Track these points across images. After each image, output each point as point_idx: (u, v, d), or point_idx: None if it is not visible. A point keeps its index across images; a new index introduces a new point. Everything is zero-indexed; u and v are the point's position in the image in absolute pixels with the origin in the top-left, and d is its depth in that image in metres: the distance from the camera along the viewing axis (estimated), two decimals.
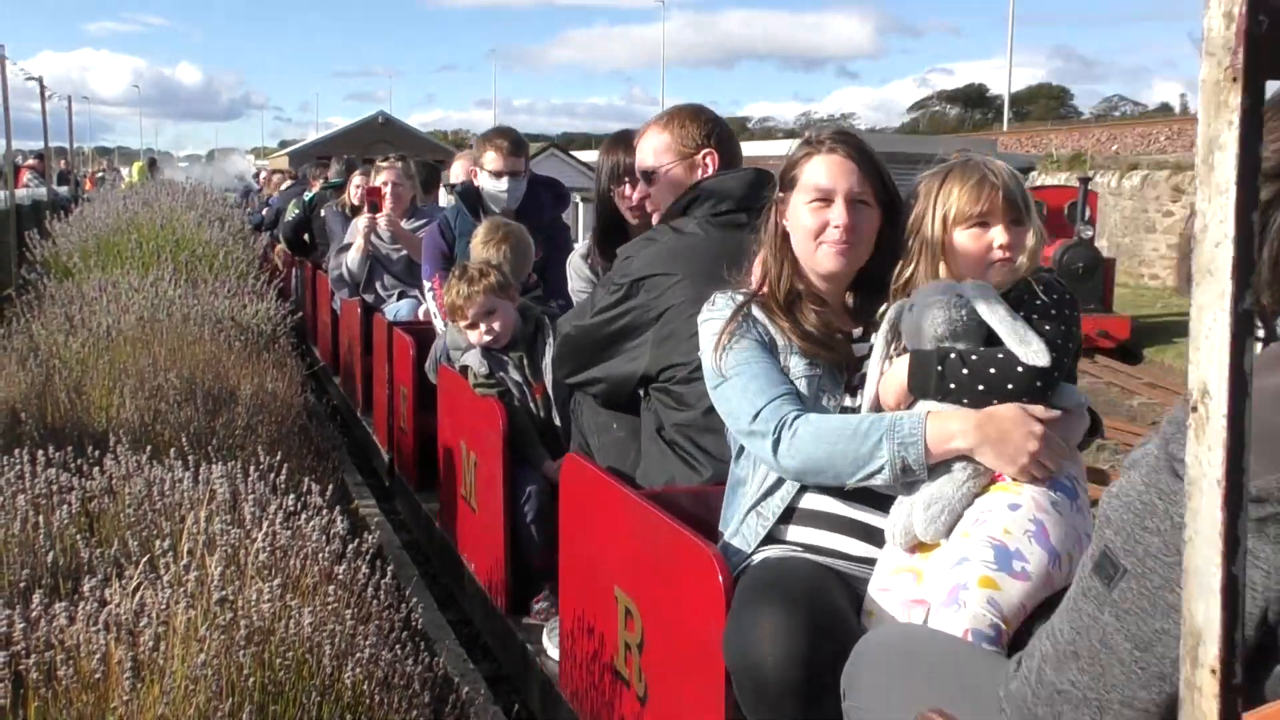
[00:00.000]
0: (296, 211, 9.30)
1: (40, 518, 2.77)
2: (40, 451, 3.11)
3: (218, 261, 8.61)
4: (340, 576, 2.61)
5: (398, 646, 2.50)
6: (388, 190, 6.27)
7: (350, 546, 2.74)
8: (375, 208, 6.21)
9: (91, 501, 3.02)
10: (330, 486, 3.24)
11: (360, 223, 6.31)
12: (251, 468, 3.04)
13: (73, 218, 10.50)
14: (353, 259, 6.40)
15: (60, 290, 7.26)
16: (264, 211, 13.99)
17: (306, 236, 9.29)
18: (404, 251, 6.29)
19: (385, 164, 6.43)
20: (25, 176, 16.71)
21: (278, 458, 3.32)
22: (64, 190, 19.35)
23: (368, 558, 2.75)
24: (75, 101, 24.50)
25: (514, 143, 4.88)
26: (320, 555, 2.64)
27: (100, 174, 34.32)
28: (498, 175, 4.82)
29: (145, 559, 2.49)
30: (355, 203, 7.47)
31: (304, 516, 2.79)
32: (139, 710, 2.10)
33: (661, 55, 54.40)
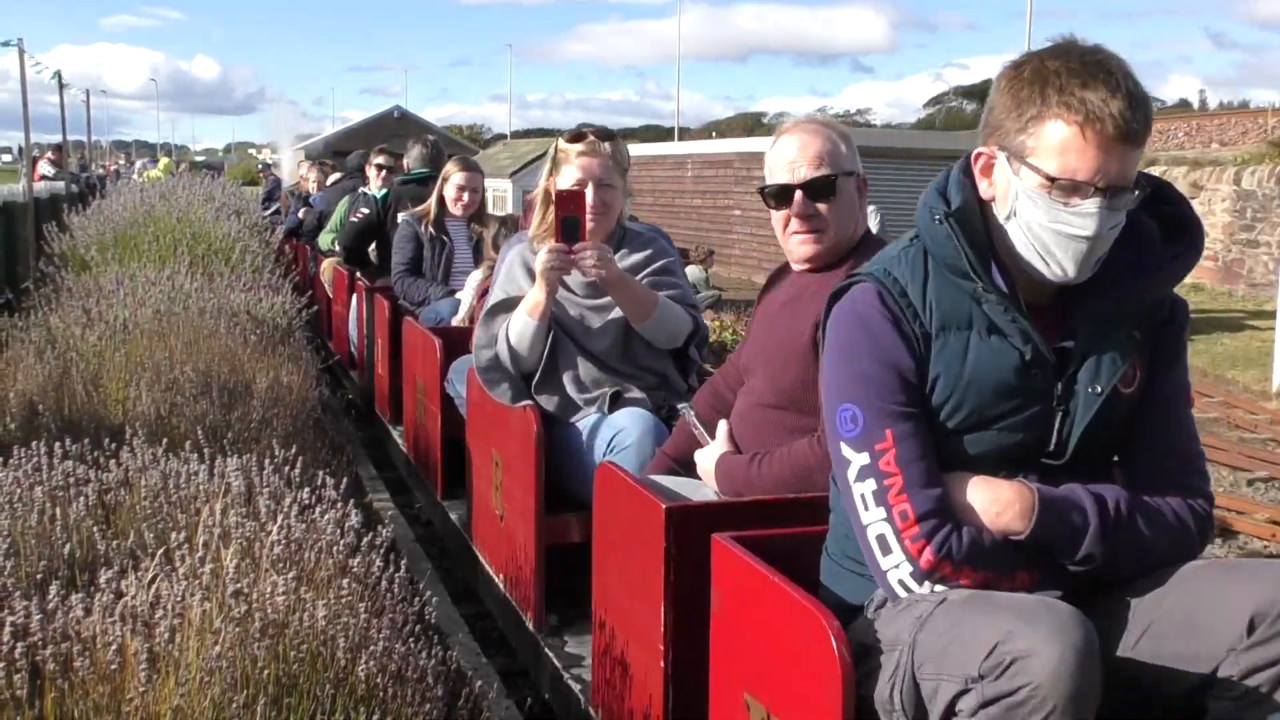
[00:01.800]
0: (365, 212, 6.89)
1: (57, 510, 2.78)
2: (57, 444, 3.13)
3: (234, 255, 8.64)
4: (354, 570, 2.61)
5: (411, 640, 2.50)
6: (590, 195, 3.34)
7: (364, 540, 2.74)
8: (573, 231, 3.20)
9: (108, 494, 3.03)
10: (344, 480, 3.24)
11: (538, 261, 3.27)
12: (266, 461, 3.05)
13: (90, 211, 10.55)
14: (521, 332, 3.37)
15: (77, 283, 7.29)
16: (300, 213, 10.98)
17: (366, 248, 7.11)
18: (615, 315, 3.39)
19: (581, 145, 3.40)
20: (41, 167, 16.77)
21: (292, 451, 3.33)
22: (87, 176, 19.49)
23: (382, 551, 2.76)
24: (93, 95, 24.68)
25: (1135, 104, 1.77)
26: (334, 549, 2.64)
27: (116, 168, 34.65)
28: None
29: (161, 551, 2.50)
30: (458, 212, 5.73)
31: (318, 510, 2.79)
32: (154, 702, 2.11)
33: (677, 50, 54.48)
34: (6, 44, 12.51)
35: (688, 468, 2.82)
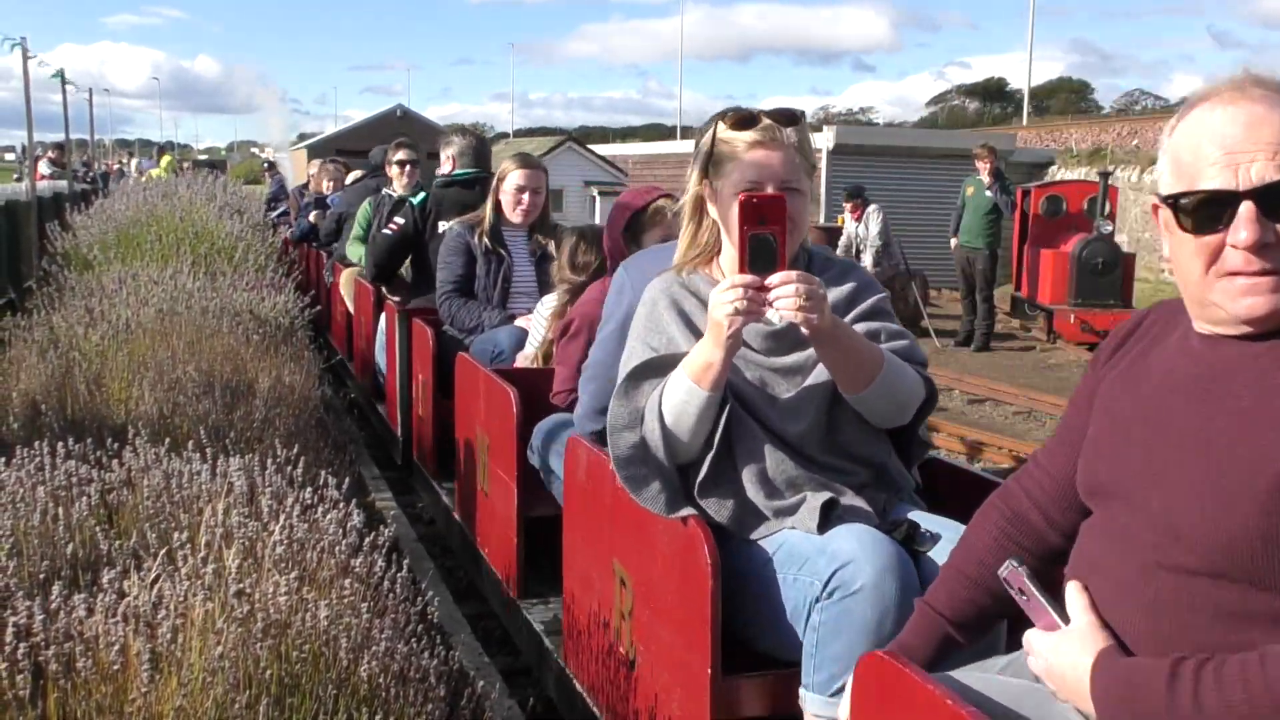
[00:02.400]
0: (400, 222, 5.66)
1: (60, 509, 2.79)
2: (60, 443, 3.13)
3: (236, 254, 8.64)
4: (356, 570, 2.61)
5: (413, 640, 2.50)
6: (789, 198, 2.19)
7: (367, 540, 2.75)
8: (766, 256, 2.07)
9: (110, 493, 3.03)
10: (347, 480, 3.24)
11: (714, 299, 2.14)
12: (269, 460, 3.05)
13: (93, 210, 10.57)
14: (682, 407, 2.28)
15: (80, 282, 7.30)
16: (312, 216, 9.90)
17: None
18: (815, 379, 2.37)
19: (754, 134, 2.31)
20: (40, 167, 16.75)
21: (295, 451, 3.33)
22: (89, 174, 19.51)
23: (384, 551, 2.76)
24: (95, 94, 24.67)
25: None
26: (337, 548, 2.64)
27: (119, 166, 34.73)
28: None
29: (163, 551, 2.50)
30: (517, 220, 4.89)
31: (321, 509, 2.80)
32: (157, 702, 2.11)
33: (679, 48, 54.39)
34: (8, 40, 12.51)
35: (971, 634, 1.84)
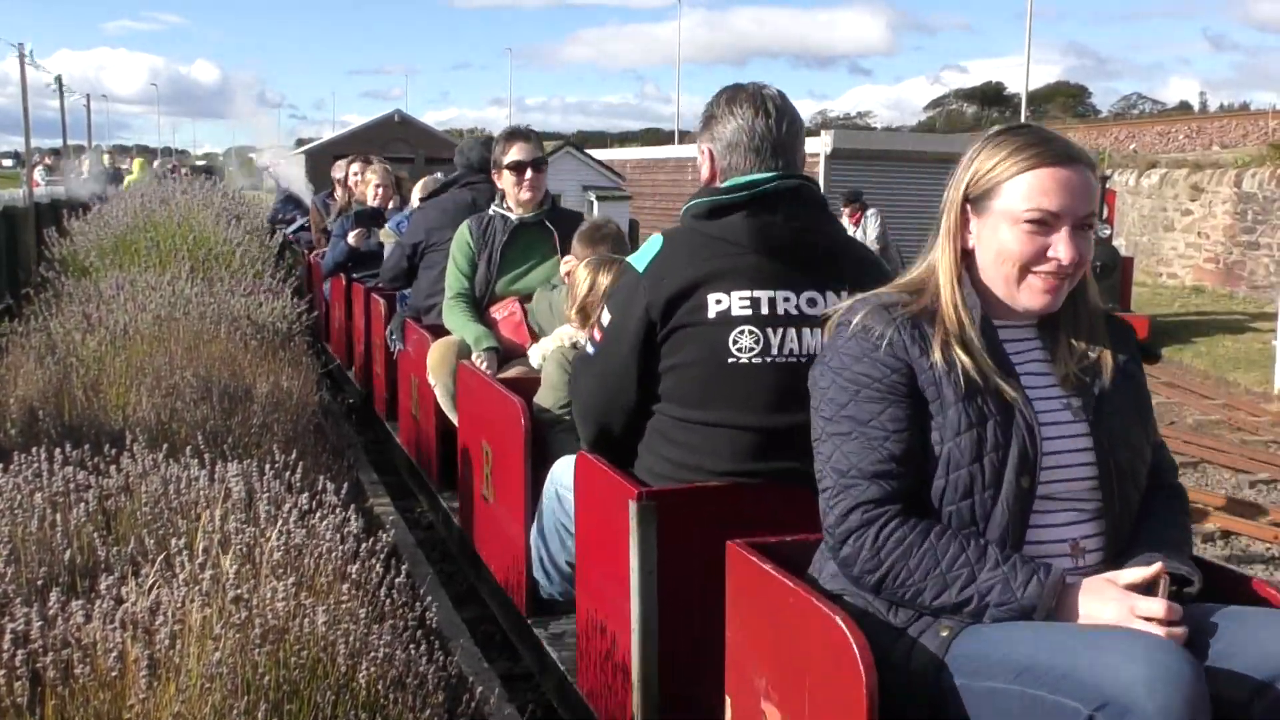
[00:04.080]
0: (610, 318, 2.63)
1: (57, 516, 2.78)
2: (57, 449, 3.12)
3: (234, 260, 8.62)
4: (354, 575, 2.61)
5: (412, 646, 2.50)
6: None
7: (365, 545, 2.74)
8: None
9: (108, 499, 3.03)
10: (345, 485, 3.24)
11: None
12: (267, 466, 3.05)
13: (90, 216, 10.55)
14: None
15: (78, 288, 7.29)
16: (350, 237, 7.00)
17: None
18: None
19: None
20: (37, 175, 16.72)
21: (293, 456, 3.32)
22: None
23: (382, 556, 2.75)
24: (93, 100, 24.61)
25: None
26: (335, 554, 2.64)
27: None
28: None
29: (161, 557, 2.50)
30: (1036, 306, 1.93)
31: (319, 515, 2.79)
32: (155, 708, 2.10)
33: (677, 53, 54.52)
34: (8, 45, 12.52)
35: None
